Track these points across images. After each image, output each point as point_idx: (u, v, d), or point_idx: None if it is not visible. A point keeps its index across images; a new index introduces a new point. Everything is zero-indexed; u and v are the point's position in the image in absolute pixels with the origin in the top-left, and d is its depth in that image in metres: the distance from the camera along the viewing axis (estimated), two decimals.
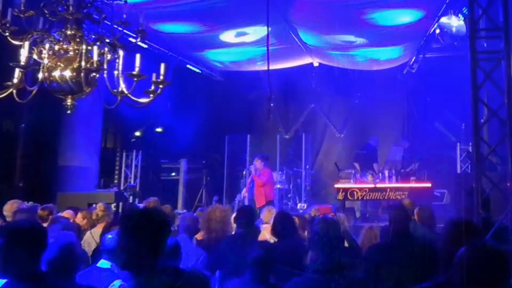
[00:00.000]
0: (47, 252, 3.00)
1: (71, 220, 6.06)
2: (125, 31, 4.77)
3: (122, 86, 4.56)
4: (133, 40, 4.87)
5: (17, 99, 4.47)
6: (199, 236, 5.52)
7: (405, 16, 9.06)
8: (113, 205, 9.25)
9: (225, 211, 5.23)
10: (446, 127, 12.65)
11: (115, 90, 4.57)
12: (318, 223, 3.29)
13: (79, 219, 6.36)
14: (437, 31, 9.19)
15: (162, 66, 4.60)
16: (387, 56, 11.75)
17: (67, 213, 6.55)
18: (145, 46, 9.73)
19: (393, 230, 4.34)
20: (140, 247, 2.23)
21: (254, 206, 9.90)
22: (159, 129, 13.22)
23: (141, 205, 7.87)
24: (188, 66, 12.56)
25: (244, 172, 13.43)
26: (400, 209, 4.45)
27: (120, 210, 9.94)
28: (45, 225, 5.54)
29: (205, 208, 10.53)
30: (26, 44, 4.28)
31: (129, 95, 4.58)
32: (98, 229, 5.80)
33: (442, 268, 3.57)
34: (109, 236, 3.93)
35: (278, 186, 12.39)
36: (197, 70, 13.07)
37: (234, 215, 5.27)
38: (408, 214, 4.49)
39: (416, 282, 3.25)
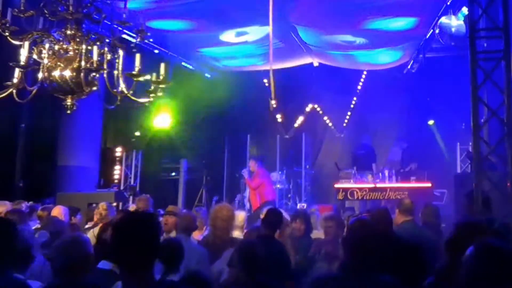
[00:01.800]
0: (56, 254, 3.03)
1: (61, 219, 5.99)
2: (125, 31, 4.77)
3: (122, 86, 4.57)
4: (133, 40, 4.87)
5: (17, 99, 4.48)
6: (196, 234, 5.52)
7: (403, 22, 9.11)
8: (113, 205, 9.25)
9: (231, 210, 5.26)
10: (445, 128, 12.65)
11: (115, 90, 4.57)
12: (354, 224, 3.32)
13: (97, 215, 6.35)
14: (437, 31, 9.18)
15: (162, 66, 4.61)
16: (387, 60, 11.81)
17: (57, 209, 6.37)
18: (145, 46, 9.73)
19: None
20: (127, 254, 2.16)
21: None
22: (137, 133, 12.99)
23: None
24: (188, 66, 12.55)
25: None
26: (382, 212, 4.48)
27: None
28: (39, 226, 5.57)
29: (203, 207, 10.58)
30: (26, 44, 4.28)
31: (129, 95, 4.58)
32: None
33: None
34: None
35: (278, 186, 12.40)
36: (197, 70, 13.06)
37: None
38: (390, 217, 4.51)
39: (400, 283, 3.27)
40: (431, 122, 12.80)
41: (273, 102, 8.72)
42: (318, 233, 5.84)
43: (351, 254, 3.16)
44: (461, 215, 5.28)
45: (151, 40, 9.98)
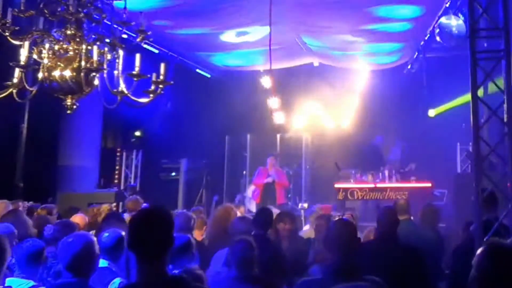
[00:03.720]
0: (64, 252, 3.05)
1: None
2: (125, 30, 4.77)
3: (122, 86, 4.57)
4: (134, 39, 4.87)
5: (17, 99, 4.48)
6: (198, 236, 5.50)
7: (405, 10, 9.07)
8: (113, 205, 9.27)
9: (232, 210, 5.25)
10: (445, 127, 12.64)
11: (115, 90, 4.57)
12: (334, 225, 3.28)
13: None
14: (437, 31, 9.18)
15: (162, 66, 4.61)
16: (387, 60, 11.83)
17: (80, 217, 6.37)
18: (145, 45, 9.73)
19: (379, 233, 4.37)
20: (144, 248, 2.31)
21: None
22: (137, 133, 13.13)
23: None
24: (188, 65, 12.55)
25: (244, 172, 13.44)
26: (389, 212, 4.47)
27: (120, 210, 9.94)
28: None
29: (202, 207, 10.61)
30: (26, 44, 4.29)
31: (129, 95, 4.58)
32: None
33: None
34: (105, 234, 3.94)
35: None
36: (197, 70, 13.06)
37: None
38: (397, 217, 4.50)
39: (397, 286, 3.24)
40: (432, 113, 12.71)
41: (272, 101, 8.77)
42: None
43: (334, 255, 3.12)
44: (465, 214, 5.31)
45: (151, 40, 9.96)
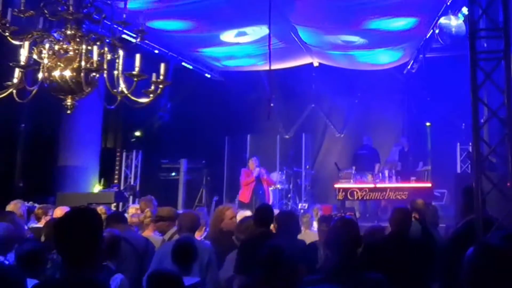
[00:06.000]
0: None
1: None
2: (125, 31, 4.77)
3: (122, 86, 4.57)
4: (133, 40, 4.86)
5: (17, 99, 4.48)
6: (197, 236, 5.48)
7: (403, 22, 9.13)
8: (113, 205, 9.28)
9: (235, 211, 5.21)
10: (445, 127, 12.65)
11: (115, 90, 4.57)
12: (336, 223, 3.26)
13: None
14: (437, 31, 9.19)
15: (162, 66, 4.60)
16: (387, 60, 11.82)
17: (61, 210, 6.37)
18: (145, 46, 9.74)
19: (392, 232, 4.37)
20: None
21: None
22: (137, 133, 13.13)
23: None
24: (188, 66, 12.55)
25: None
26: (402, 212, 4.47)
27: (120, 210, 9.95)
28: (40, 224, 5.58)
29: (204, 208, 10.61)
30: (26, 44, 4.29)
31: (129, 95, 4.58)
32: None
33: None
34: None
35: (278, 186, 12.41)
36: (197, 70, 13.06)
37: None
38: (410, 217, 4.51)
39: (409, 284, 3.23)
40: (428, 124, 12.80)
41: (272, 101, 8.78)
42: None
43: (334, 253, 3.09)
44: (459, 213, 5.30)
45: (150, 40, 9.97)
